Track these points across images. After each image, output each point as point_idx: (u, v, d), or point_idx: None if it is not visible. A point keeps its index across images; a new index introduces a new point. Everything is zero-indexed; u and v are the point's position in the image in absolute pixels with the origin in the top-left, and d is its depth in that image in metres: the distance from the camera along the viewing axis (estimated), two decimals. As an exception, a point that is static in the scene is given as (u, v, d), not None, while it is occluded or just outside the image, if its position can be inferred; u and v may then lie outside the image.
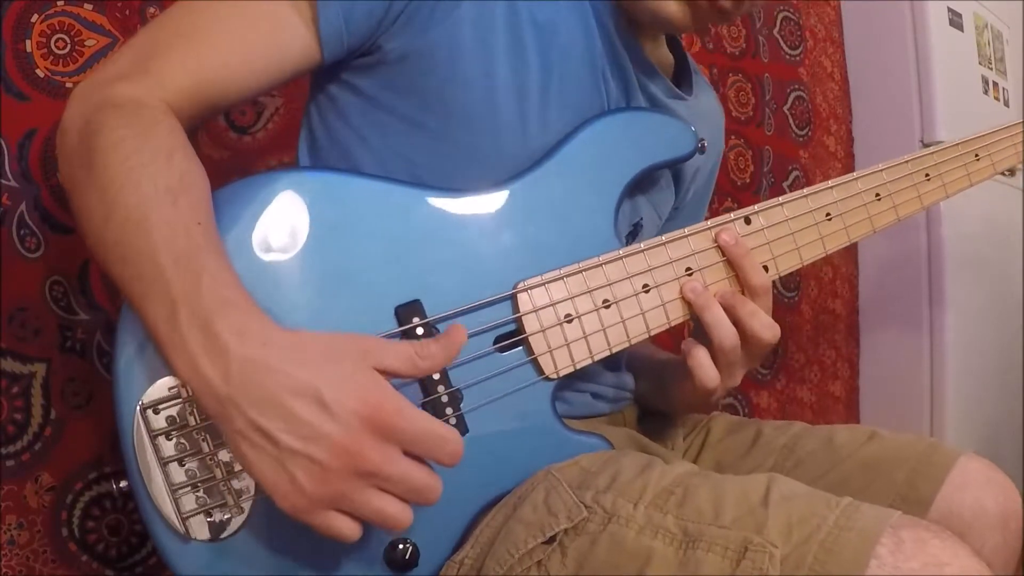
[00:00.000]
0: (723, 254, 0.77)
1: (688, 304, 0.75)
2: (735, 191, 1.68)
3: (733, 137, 1.69)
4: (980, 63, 1.92)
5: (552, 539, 0.63)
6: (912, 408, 1.80)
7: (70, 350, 0.92)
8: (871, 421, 1.87)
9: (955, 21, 1.85)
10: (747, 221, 0.78)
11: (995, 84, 1.97)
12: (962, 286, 1.79)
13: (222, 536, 0.63)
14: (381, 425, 0.56)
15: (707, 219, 0.78)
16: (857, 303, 1.93)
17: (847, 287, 1.91)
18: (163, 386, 0.62)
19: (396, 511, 0.57)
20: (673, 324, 0.76)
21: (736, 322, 0.74)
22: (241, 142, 1.08)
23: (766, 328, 0.74)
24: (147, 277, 0.58)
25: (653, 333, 0.75)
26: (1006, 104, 2.01)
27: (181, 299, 0.57)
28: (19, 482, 0.88)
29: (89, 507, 0.93)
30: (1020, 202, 1.94)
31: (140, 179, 0.60)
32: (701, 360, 0.75)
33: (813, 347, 1.83)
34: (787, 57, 1.82)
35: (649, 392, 0.91)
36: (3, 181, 0.89)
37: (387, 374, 0.58)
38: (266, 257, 0.66)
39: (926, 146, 1.78)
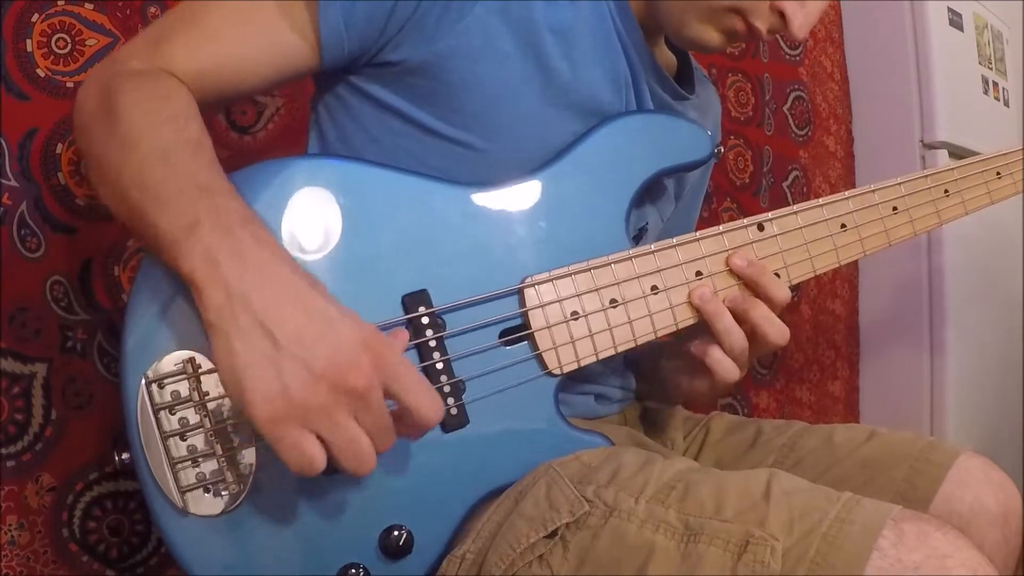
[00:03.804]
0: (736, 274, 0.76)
1: (697, 310, 0.75)
2: (734, 191, 1.68)
3: (733, 137, 1.69)
4: (980, 63, 1.92)
5: (554, 533, 0.63)
6: (912, 408, 1.80)
7: (71, 350, 0.92)
8: (871, 421, 1.87)
9: (955, 21, 1.85)
10: (760, 228, 0.78)
11: (995, 84, 1.97)
12: (962, 285, 1.79)
13: (219, 512, 0.63)
14: (377, 355, 0.57)
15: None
16: (857, 303, 1.93)
17: (847, 287, 1.91)
18: (170, 361, 0.63)
19: (367, 447, 0.58)
20: (680, 327, 0.76)
21: (746, 322, 0.74)
22: (242, 142, 1.09)
23: (779, 333, 0.75)
24: (169, 196, 0.59)
25: (660, 335, 0.75)
26: (1006, 104, 2.01)
27: (205, 215, 0.58)
28: (20, 482, 0.88)
29: (90, 507, 0.93)
30: (1020, 202, 1.94)
31: (162, 129, 0.62)
32: (719, 358, 0.75)
33: (813, 347, 1.83)
34: (787, 57, 1.82)
35: (645, 386, 0.91)
36: (4, 181, 0.89)
37: None
38: (277, 239, 0.65)
39: (926, 146, 1.78)
